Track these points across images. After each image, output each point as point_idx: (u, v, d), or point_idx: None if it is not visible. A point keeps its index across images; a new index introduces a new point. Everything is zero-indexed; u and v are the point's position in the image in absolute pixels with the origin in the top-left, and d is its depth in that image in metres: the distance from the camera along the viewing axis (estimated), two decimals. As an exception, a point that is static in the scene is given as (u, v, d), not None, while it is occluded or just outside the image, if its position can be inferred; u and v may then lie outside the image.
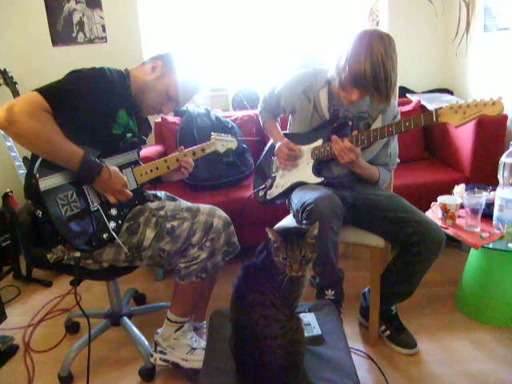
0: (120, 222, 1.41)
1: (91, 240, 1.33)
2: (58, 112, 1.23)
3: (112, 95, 1.36)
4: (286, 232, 1.00)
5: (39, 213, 1.28)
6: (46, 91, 1.22)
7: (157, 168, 1.55)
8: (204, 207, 1.48)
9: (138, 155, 1.56)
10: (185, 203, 1.57)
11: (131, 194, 1.41)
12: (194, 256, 1.42)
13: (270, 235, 1.00)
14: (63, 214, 1.28)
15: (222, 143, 1.71)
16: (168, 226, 1.42)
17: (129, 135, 1.48)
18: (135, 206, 1.47)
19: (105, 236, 1.35)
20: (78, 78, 1.30)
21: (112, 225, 1.38)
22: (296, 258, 0.96)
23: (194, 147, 1.65)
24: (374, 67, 1.38)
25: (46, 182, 1.26)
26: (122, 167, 1.45)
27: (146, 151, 2.40)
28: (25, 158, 2.33)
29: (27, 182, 1.34)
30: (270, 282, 0.99)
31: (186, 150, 1.63)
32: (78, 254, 1.35)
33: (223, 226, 1.45)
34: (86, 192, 1.35)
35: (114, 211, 1.40)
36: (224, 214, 1.49)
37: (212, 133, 1.72)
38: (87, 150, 1.30)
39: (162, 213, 1.45)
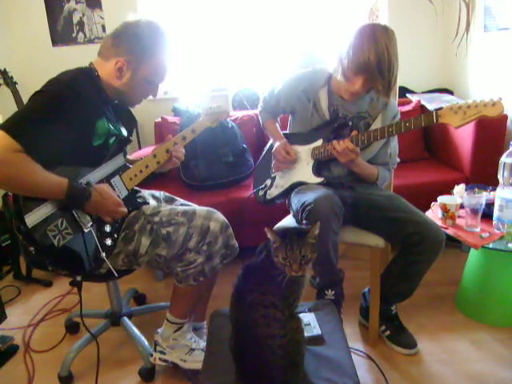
0: (116, 235, 1.36)
1: (89, 262, 1.29)
2: (30, 145, 1.14)
3: (86, 109, 1.26)
4: (285, 232, 1.00)
5: (32, 249, 1.22)
6: (11, 128, 1.12)
7: (146, 166, 1.48)
8: (201, 210, 1.44)
9: (124, 155, 1.49)
10: (181, 207, 1.50)
11: (126, 210, 1.37)
12: (191, 260, 1.40)
13: (269, 235, 1.00)
14: (57, 246, 1.21)
15: (213, 118, 1.62)
16: (163, 232, 1.39)
17: (111, 140, 1.38)
18: (129, 212, 1.42)
19: (103, 255, 1.32)
20: (43, 101, 1.20)
21: (108, 242, 1.34)
22: (296, 258, 0.96)
23: (183, 131, 1.57)
24: (378, 52, 1.38)
25: (33, 218, 1.18)
26: (109, 177, 1.39)
27: (146, 151, 2.40)
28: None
29: (12, 215, 1.28)
30: (270, 282, 0.99)
31: (176, 137, 1.55)
32: (79, 279, 1.34)
33: (220, 229, 1.42)
34: (76, 215, 1.27)
35: (107, 228, 1.35)
36: (221, 217, 1.45)
37: (202, 108, 1.62)
38: (73, 171, 1.25)
39: (156, 219, 1.41)
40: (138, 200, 1.50)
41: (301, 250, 0.96)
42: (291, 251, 0.96)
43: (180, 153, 1.55)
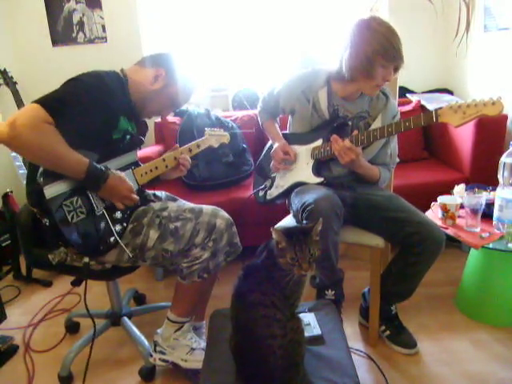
0: (125, 224, 1.41)
1: (99, 244, 1.34)
2: (59, 122, 1.20)
3: (113, 104, 1.34)
4: (290, 232, 1.00)
5: (46, 221, 1.28)
6: (46, 103, 1.19)
7: (156, 167, 1.56)
8: (207, 208, 1.48)
9: (136, 155, 1.56)
10: (188, 204, 1.57)
11: (138, 198, 1.42)
12: (197, 256, 1.42)
13: (275, 236, 0.99)
14: (70, 221, 1.28)
15: (216, 138, 1.74)
16: (171, 226, 1.42)
17: (128, 137, 1.48)
18: (138, 207, 1.46)
19: (111, 239, 1.36)
20: (77, 87, 1.27)
21: (118, 228, 1.38)
22: (305, 257, 0.96)
23: (190, 144, 1.67)
24: (397, 36, 1.45)
25: (51, 190, 1.25)
26: (122, 169, 1.45)
27: (146, 151, 2.40)
28: (25, 158, 2.33)
29: (30, 189, 1.33)
30: (272, 282, 0.99)
31: (182, 148, 1.64)
32: (86, 260, 1.37)
33: (226, 226, 1.46)
34: (91, 197, 1.34)
35: (118, 214, 1.40)
36: (226, 215, 1.49)
37: (206, 128, 1.75)
38: (86, 154, 1.28)
39: (165, 214, 1.45)
40: (147, 197, 1.57)
41: (309, 248, 0.97)
42: (300, 251, 0.96)
43: (187, 161, 1.63)
